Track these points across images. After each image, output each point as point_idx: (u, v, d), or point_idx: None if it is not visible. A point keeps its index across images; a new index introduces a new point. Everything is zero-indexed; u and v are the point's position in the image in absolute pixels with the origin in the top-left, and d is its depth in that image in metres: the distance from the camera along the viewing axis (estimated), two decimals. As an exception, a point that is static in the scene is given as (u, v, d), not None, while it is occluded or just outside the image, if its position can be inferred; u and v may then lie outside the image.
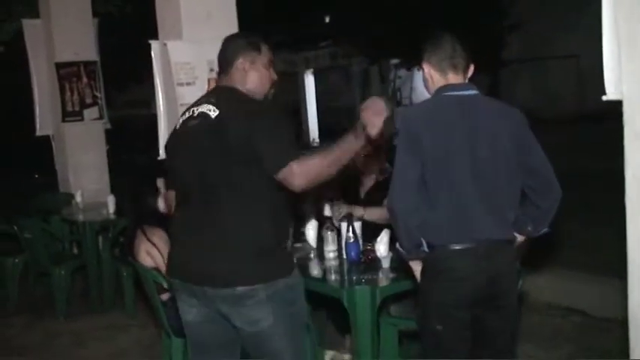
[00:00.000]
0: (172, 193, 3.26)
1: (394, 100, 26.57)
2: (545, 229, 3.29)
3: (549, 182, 3.23)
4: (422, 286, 3.26)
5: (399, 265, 3.62)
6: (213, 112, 2.96)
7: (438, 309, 3.19)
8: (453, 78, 3.27)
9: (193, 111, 3.08)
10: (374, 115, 2.97)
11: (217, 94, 3.12)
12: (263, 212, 2.92)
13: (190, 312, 3.09)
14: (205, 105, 3.03)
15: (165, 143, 3.37)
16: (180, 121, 3.16)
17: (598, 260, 5.91)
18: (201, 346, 3.14)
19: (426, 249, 3.14)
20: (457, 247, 3.11)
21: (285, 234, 3.08)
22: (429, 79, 3.34)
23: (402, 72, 25.28)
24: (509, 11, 19.58)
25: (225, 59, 3.15)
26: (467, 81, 3.31)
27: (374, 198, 4.85)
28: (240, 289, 2.86)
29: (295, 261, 3.21)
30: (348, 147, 2.96)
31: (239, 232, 2.89)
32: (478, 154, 3.12)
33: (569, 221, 7.40)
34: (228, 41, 3.21)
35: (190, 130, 3.04)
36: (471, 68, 3.33)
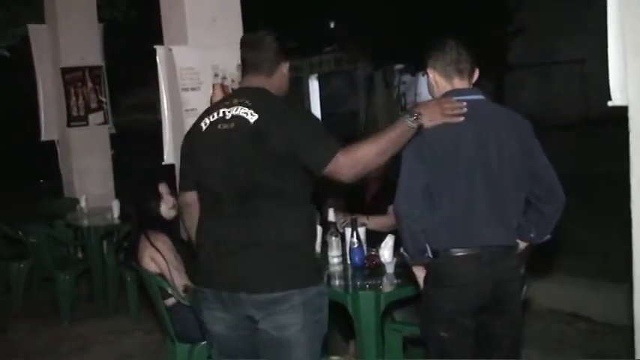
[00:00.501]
0: (188, 196, 3.14)
1: (399, 105, 26.59)
2: (548, 236, 3.28)
3: (553, 189, 3.21)
4: (426, 292, 3.25)
5: (403, 270, 3.61)
6: (251, 117, 2.87)
7: (443, 315, 3.17)
8: (459, 83, 3.24)
9: (224, 113, 2.96)
10: (438, 111, 3.00)
11: (250, 95, 2.98)
12: (300, 219, 2.90)
13: (219, 322, 2.99)
14: (240, 107, 2.92)
15: (183, 145, 3.18)
16: (207, 122, 3.01)
17: (602, 266, 5.90)
18: (228, 356, 3.06)
19: (430, 255, 3.13)
20: (461, 254, 3.10)
21: (315, 241, 3.07)
22: (435, 85, 3.30)
23: (407, 77, 25.30)
24: (514, 16, 19.55)
25: (267, 60, 3.03)
26: (472, 86, 3.30)
27: (380, 203, 4.84)
28: (276, 294, 2.82)
29: None
30: (398, 135, 2.87)
31: (277, 239, 2.85)
32: (486, 159, 3.11)
33: (574, 227, 7.39)
34: (267, 41, 3.05)
35: (225, 134, 2.92)
36: (476, 73, 3.31)
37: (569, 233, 6.96)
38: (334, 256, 4.16)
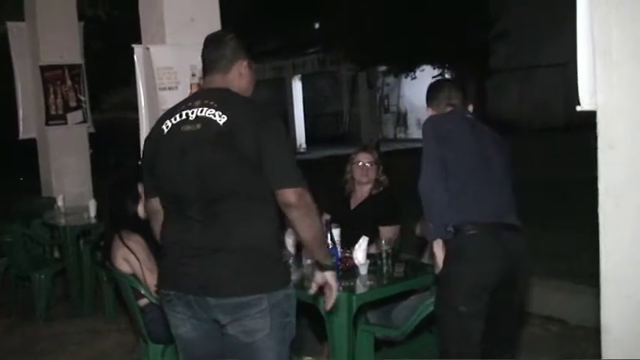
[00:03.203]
0: (155, 202, 3.05)
1: (382, 106, 26.68)
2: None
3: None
4: (447, 270, 3.49)
5: (376, 272, 3.66)
6: (219, 118, 2.80)
7: (465, 290, 3.44)
8: None
9: (187, 114, 2.87)
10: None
11: (214, 96, 2.91)
12: (268, 222, 2.87)
13: (184, 325, 2.97)
14: (205, 108, 2.84)
15: (145, 149, 3.10)
16: (169, 124, 2.92)
17: (577, 269, 5.94)
18: (194, 358, 3.05)
19: (452, 230, 3.45)
20: (480, 231, 3.44)
21: (282, 244, 3.06)
22: None
23: (390, 79, 25.40)
24: (497, 20, 19.67)
25: (225, 58, 2.98)
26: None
27: (364, 212, 4.83)
28: (245, 298, 2.79)
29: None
30: (325, 250, 3.00)
31: (244, 242, 2.81)
32: (491, 155, 3.64)
33: (549, 231, 7.46)
34: (225, 39, 3.02)
35: (190, 136, 2.84)
36: (470, 108, 3.91)
37: (543, 237, 7.04)
38: (308, 258, 4.15)
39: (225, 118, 2.79)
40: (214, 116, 2.81)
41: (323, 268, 2.95)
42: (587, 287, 5.15)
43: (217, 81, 2.98)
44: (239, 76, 3.01)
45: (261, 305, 2.80)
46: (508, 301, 3.59)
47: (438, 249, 3.50)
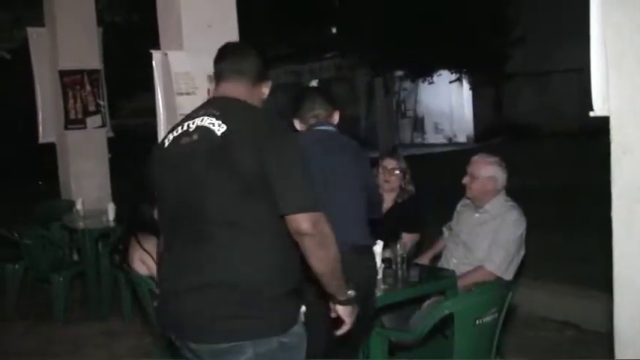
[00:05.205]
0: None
1: (399, 111, 26.67)
2: None
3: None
4: None
5: (391, 275, 3.66)
6: (218, 128, 2.47)
7: None
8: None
9: (188, 125, 2.57)
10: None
11: (219, 104, 2.62)
12: (267, 256, 2.47)
13: None
14: (206, 118, 2.54)
15: (147, 166, 2.76)
16: (171, 137, 2.64)
17: (592, 273, 5.92)
18: None
19: None
20: None
21: (294, 279, 2.56)
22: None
23: (407, 84, 25.39)
24: (514, 26, 19.63)
25: (247, 70, 2.72)
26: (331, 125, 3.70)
27: (388, 221, 4.74)
28: (224, 345, 2.42)
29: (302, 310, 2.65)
30: (337, 285, 2.62)
31: (232, 278, 2.43)
32: (335, 181, 3.47)
33: (566, 235, 7.44)
34: (251, 52, 2.78)
35: (186, 149, 2.53)
36: (336, 115, 3.73)
37: (557, 242, 7.03)
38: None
39: (224, 128, 2.47)
40: (213, 125, 2.50)
41: (337, 301, 2.67)
42: (602, 293, 5.13)
43: (229, 90, 2.71)
44: (260, 93, 2.78)
45: (244, 354, 2.41)
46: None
47: None
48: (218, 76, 2.77)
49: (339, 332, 2.73)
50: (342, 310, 2.67)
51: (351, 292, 2.68)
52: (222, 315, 2.42)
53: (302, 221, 2.38)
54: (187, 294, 2.48)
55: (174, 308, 2.53)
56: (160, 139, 5.60)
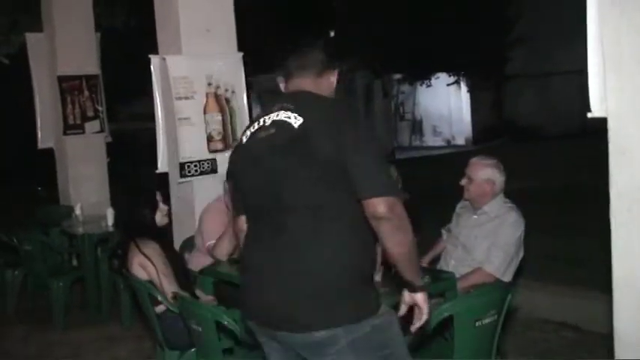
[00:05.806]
0: (240, 221, 2.86)
1: (397, 114, 26.66)
2: None
3: None
4: None
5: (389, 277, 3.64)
6: (295, 120, 2.57)
7: None
8: None
9: (264, 120, 2.68)
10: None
11: (294, 98, 2.72)
12: (348, 242, 2.54)
13: (274, 355, 2.75)
14: (282, 112, 2.64)
15: (229, 163, 2.90)
16: (248, 133, 2.75)
17: (591, 274, 5.92)
18: None
19: None
20: None
21: (372, 265, 2.67)
22: None
23: (405, 87, 25.38)
24: (513, 27, 19.63)
25: (319, 62, 2.83)
26: None
27: None
28: (317, 334, 2.47)
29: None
30: (415, 266, 2.65)
31: (318, 265, 2.50)
32: None
33: (564, 236, 7.44)
34: (317, 46, 2.91)
35: (264, 143, 2.64)
36: None
37: (557, 243, 7.03)
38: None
39: (302, 121, 2.57)
40: (289, 119, 2.59)
41: (413, 288, 2.63)
42: (600, 293, 5.13)
43: (302, 84, 2.79)
44: (328, 83, 2.85)
45: (338, 343, 2.48)
46: None
47: None
48: (286, 74, 2.86)
49: (418, 324, 2.68)
50: (420, 297, 2.64)
51: (426, 278, 2.69)
52: (313, 302, 2.49)
53: (379, 205, 2.44)
54: (277, 284, 2.55)
55: (266, 300, 2.59)
56: (160, 141, 5.68)
